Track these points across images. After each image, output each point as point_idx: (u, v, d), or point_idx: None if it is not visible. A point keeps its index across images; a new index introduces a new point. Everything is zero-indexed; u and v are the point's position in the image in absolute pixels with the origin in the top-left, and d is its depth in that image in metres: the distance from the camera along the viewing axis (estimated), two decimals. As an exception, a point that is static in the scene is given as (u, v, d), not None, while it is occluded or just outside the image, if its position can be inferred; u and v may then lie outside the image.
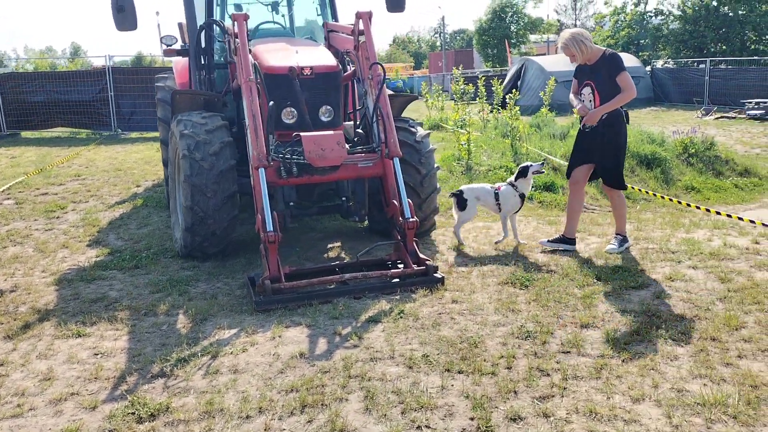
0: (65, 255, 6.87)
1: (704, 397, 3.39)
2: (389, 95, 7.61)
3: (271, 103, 5.58)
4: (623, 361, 3.87)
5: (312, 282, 5.17)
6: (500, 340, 4.23)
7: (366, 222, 7.11)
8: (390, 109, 5.93)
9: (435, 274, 5.34)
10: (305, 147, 5.62)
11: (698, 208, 7.80)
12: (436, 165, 6.80)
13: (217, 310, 4.99)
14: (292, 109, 6.14)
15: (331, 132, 5.80)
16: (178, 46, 8.01)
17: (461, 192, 6.59)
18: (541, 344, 4.14)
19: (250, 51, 6.95)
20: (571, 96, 6.26)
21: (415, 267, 5.37)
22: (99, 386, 3.85)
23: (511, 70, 30.65)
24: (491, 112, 16.95)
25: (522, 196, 6.51)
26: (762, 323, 4.28)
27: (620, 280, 5.21)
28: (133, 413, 3.48)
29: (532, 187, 9.84)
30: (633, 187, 9.87)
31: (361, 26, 6.24)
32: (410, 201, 5.63)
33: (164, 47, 7.63)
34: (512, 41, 43.60)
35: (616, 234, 6.22)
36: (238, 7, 8.78)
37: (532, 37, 52.18)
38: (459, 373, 3.81)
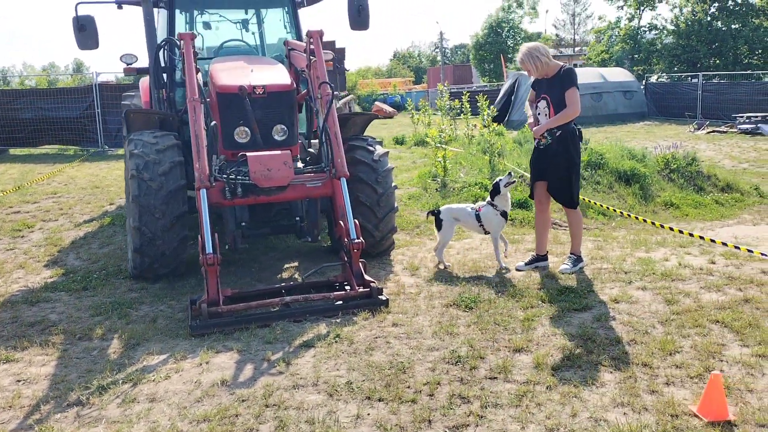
0: (19, 276, 6.80)
1: (620, 427, 3.29)
2: (352, 114, 7.60)
3: (213, 122, 5.52)
4: (548, 387, 3.77)
5: (251, 305, 5.08)
6: (430, 365, 4.13)
7: (328, 242, 7.03)
8: (338, 129, 5.86)
9: (379, 297, 5.24)
10: (251, 167, 5.56)
11: (662, 226, 7.69)
12: (393, 184, 6.73)
13: (153, 335, 4.90)
14: (246, 128, 6.09)
15: (278, 152, 5.74)
16: (139, 64, 7.99)
17: (438, 212, 6.48)
18: (470, 369, 4.04)
19: (206, 70, 6.94)
20: (527, 105, 6.18)
21: (359, 289, 5.28)
22: (11, 415, 3.77)
23: (505, 85, 30.69)
24: (484, 127, 16.94)
25: (504, 214, 6.28)
26: (698, 348, 4.17)
27: (565, 302, 5.11)
28: (36, 445, 3.39)
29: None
30: (601, 204, 9.78)
31: (312, 45, 6.18)
32: (357, 221, 5.55)
33: (125, 66, 7.60)
34: (509, 56, 43.55)
35: (571, 253, 6.13)
36: (206, 24, 8.77)
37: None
38: (379, 401, 3.71)
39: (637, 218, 8.54)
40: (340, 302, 5.20)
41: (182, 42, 5.90)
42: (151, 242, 6.00)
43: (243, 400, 3.77)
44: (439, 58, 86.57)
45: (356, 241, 5.37)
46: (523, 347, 4.32)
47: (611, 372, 3.92)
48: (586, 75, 26.03)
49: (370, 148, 6.77)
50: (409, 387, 3.86)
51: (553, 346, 4.32)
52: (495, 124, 13.20)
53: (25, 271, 6.99)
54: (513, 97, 28.30)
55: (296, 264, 6.80)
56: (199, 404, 3.76)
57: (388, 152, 6.93)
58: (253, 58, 7.33)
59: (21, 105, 19.62)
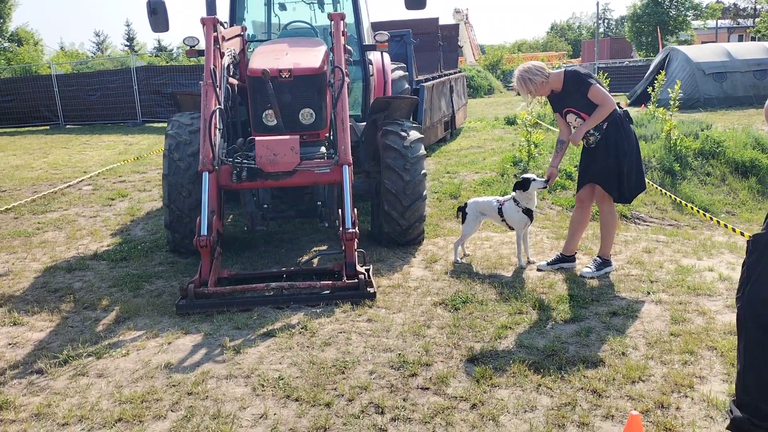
0: (84, 243, 7.40)
1: (511, 462, 2.97)
2: (393, 97, 7.41)
3: (218, 106, 5.60)
4: (472, 406, 3.49)
5: (236, 288, 5.16)
6: (371, 367, 3.98)
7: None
8: (346, 115, 5.73)
9: (367, 289, 5.11)
10: (257, 151, 5.60)
11: (725, 226, 6.79)
12: (423, 171, 6.48)
13: (146, 310, 5.14)
14: (272, 112, 6.14)
15: (286, 137, 5.72)
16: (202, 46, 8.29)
17: (465, 205, 6.22)
18: (408, 377, 3.84)
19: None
20: (557, 117, 5.73)
21: (347, 280, 5.18)
22: (-20, 377, 4.13)
23: (655, 60, 28.44)
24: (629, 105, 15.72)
25: (528, 212, 5.85)
26: (668, 378, 3.65)
27: (558, 311, 4.68)
28: (-23, 407, 3.69)
29: (574, 195, 9.14)
30: (685, 203, 8.83)
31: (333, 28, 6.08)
32: (356, 210, 5.43)
33: (187, 48, 7.92)
34: (669, 28, 40.31)
35: (597, 256, 5.61)
36: (282, 6, 8.92)
37: (695, 23, 47.88)
38: (295, 401, 3.63)
39: (712, 218, 7.61)
40: (327, 292, 5.14)
41: (204, 26, 6.03)
42: (179, 219, 6.28)
43: (173, 386, 3.85)
44: (601, 30, 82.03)
45: (350, 230, 5.25)
46: (477, 357, 4.03)
47: (552, 396, 3.55)
48: (705, 53, 23.41)
49: (403, 133, 6.56)
50: (334, 389, 3.74)
51: (509, 359, 3.98)
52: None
53: (92, 238, 7.60)
54: (664, 74, 26.19)
55: (325, 247, 6.79)
56: (133, 385, 3.90)
57: (421, 138, 6.68)
58: (300, 40, 7.33)
59: (164, 80, 21.24)
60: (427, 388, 3.71)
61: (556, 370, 3.81)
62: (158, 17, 7.82)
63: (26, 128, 22.30)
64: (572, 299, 4.89)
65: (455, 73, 14.96)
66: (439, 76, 13.42)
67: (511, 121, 17.93)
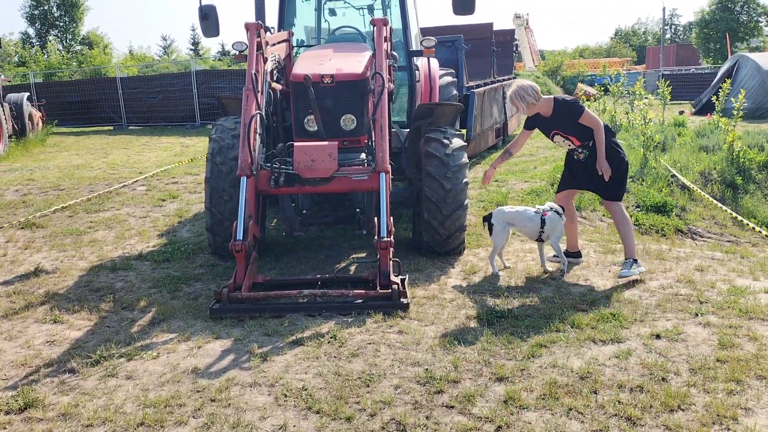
0: (131, 243, 7.55)
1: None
2: (437, 104, 7.30)
3: (257, 111, 5.61)
4: (497, 428, 3.35)
5: (269, 294, 5.14)
6: (398, 382, 3.88)
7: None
8: (385, 122, 5.66)
9: (400, 300, 5.02)
10: (295, 157, 5.59)
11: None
12: (465, 180, 6.34)
13: (181, 313, 5.17)
14: (319, 117, 6.12)
15: (324, 143, 5.69)
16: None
17: (490, 215, 6.07)
18: (434, 393, 3.73)
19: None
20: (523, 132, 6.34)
21: (379, 290, 5.09)
22: (15, 373, 4.22)
23: (723, 68, 27.39)
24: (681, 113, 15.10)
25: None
26: (711, 408, 3.43)
27: (598, 330, 4.48)
28: (7, 404, 3.77)
29: (637, 207, 8.84)
30: (739, 219, 8.39)
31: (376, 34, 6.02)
32: (392, 219, 5.34)
33: (236, 53, 8.01)
34: (739, 35, 38.73)
35: (626, 259, 5.75)
36: (332, 11, 8.93)
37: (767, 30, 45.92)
38: (316, 413, 3.57)
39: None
40: (360, 301, 5.07)
41: (248, 32, 6.05)
42: (220, 223, 6.32)
43: (197, 391, 3.84)
44: (667, 36, 79.69)
45: (384, 239, 5.17)
46: (507, 377, 3.88)
47: (582, 421, 3.37)
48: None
49: (446, 141, 6.44)
50: (357, 403, 3.66)
51: (541, 380, 3.82)
52: (646, 111, 11.76)
53: (140, 238, 7.75)
54: (731, 82, 25.19)
55: (363, 254, 6.73)
56: (159, 388, 3.91)
57: (465, 146, 6.54)
58: (346, 45, 7.30)
59: (222, 84, 21.68)
60: (453, 407, 3.59)
61: (590, 394, 3.63)
62: (209, 22, 7.92)
63: (91, 129, 23.11)
64: (614, 318, 4.67)
65: (509, 79, 14.71)
66: (492, 83, 13.22)
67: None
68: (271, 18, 8.79)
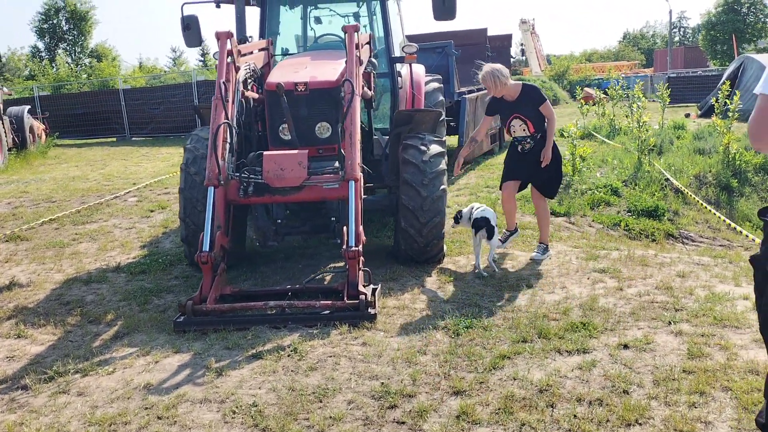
0: (112, 254, 7.49)
1: None
2: (416, 111, 7.21)
3: (225, 121, 5.53)
4: (445, 446, 3.22)
5: (234, 307, 5.04)
6: (352, 396, 3.76)
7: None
8: (355, 129, 5.55)
9: (368, 310, 4.90)
10: (264, 166, 5.50)
11: None
12: (443, 187, 6.22)
13: (146, 326, 5.08)
14: (291, 125, 6.04)
15: (295, 151, 5.60)
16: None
17: (486, 220, 6.03)
18: (386, 408, 3.61)
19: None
20: (485, 118, 6.88)
21: (347, 301, 4.98)
22: (-32, 390, 4.14)
23: (728, 70, 27.10)
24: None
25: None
26: (669, 422, 3.28)
27: (565, 340, 4.33)
28: (-48, 423, 3.69)
29: (628, 212, 8.68)
30: (728, 223, 8.22)
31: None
32: (361, 228, 5.23)
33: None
34: (746, 36, 38.34)
35: (540, 242, 6.52)
36: (317, 19, 8.86)
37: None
38: (262, 430, 3.46)
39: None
40: (326, 312, 4.96)
41: (218, 41, 5.98)
42: (195, 233, 6.19)
43: (146, 408, 3.74)
44: (676, 39, 79.22)
45: (352, 249, 5.06)
46: (465, 390, 3.75)
47: (533, 438, 3.24)
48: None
49: (423, 147, 6.33)
50: (306, 419, 3.54)
51: (499, 393, 3.68)
52: (643, 113, 11.59)
53: (121, 250, 7.68)
54: (737, 84, 24.90)
55: (341, 264, 6.61)
56: (107, 405, 3.81)
57: (443, 153, 6.43)
58: (325, 53, 7.22)
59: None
60: (403, 422, 3.46)
61: (546, 408, 3.50)
62: (191, 32, 7.88)
63: (95, 141, 23.22)
64: (584, 327, 4.52)
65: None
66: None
67: (564, 134, 17.39)
68: (254, 27, 8.74)
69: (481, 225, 6.03)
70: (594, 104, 18.23)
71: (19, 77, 45.53)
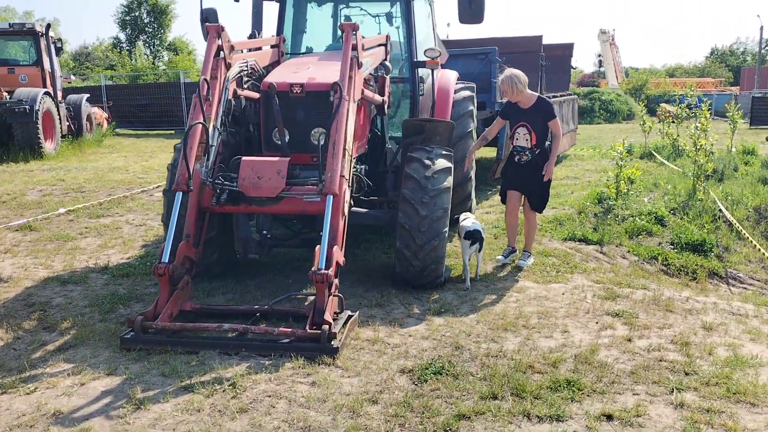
0: (111, 252, 7.21)
1: None
2: (428, 120, 6.66)
3: (198, 121, 5.08)
4: None
5: (186, 326, 4.59)
6: (270, 451, 3.23)
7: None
8: (341, 138, 4.99)
9: (330, 342, 4.35)
10: (240, 172, 5.06)
11: None
12: (445, 206, 5.61)
13: (96, 338, 4.69)
14: (283, 129, 5.58)
15: (275, 159, 5.13)
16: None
17: (478, 232, 5.94)
18: (302, 473, 3.06)
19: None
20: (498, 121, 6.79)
21: (308, 330, 4.44)
22: None
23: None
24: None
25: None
26: None
27: (542, 401, 3.67)
28: None
29: (671, 244, 7.82)
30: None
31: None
32: (336, 249, 4.69)
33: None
34: None
35: (524, 251, 6.63)
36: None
37: None
38: (152, 485, 2.97)
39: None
40: (286, 341, 4.43)
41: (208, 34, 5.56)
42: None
43: (42, 441, 3.33)
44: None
45: (320, 272, 4.51)
46: (400, 457, 3.16)
47: None
48: None
49: (427, 162, 5.75)
50: (207, 475, 3.04)
51: (437, 466, 3.07)
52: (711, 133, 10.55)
53: (120, 248, 7.40)
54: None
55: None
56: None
57: (449, 168, 5.82)
58: (335, 53, 6.71)
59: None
60: (313, 493, 2.91)
61: (486, 494, 2.87)
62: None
63: (154, 132, 23.59)
64: (568, 386, 3.84)
65: (561, 96, 13.69)
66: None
67: (628, 151, 16.31)
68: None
69: (476, 237, 5.85)
70: (673, 121, 17.03)
71: (99, 66, 47.17)
